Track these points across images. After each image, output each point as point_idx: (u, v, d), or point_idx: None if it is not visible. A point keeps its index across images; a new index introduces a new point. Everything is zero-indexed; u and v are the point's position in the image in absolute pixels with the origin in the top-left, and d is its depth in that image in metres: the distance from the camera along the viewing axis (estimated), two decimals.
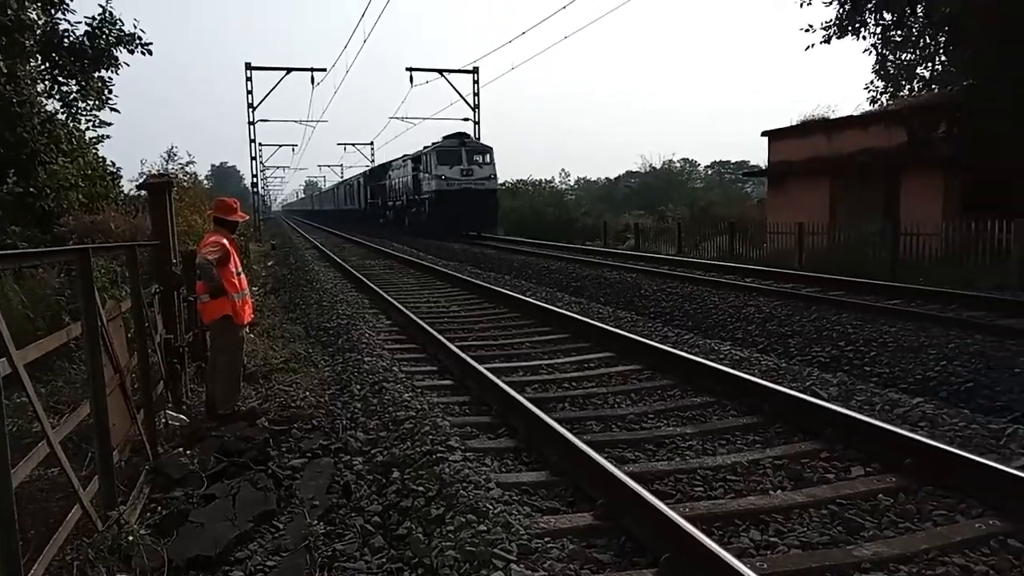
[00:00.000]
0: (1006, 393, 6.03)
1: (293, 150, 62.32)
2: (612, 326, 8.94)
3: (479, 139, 33.47)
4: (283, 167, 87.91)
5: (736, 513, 3.93)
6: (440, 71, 34.64)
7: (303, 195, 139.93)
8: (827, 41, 18.72)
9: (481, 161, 30.39)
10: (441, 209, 29.35)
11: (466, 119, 35.47)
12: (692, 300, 11.28)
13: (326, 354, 8.51)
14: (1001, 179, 14.30)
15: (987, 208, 13.93)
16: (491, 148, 31.12)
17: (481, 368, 6.59)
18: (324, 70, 34.69)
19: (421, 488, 4.29)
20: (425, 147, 32.48)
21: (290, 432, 5.70)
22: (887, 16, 18.40)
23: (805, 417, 5.20)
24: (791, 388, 5.81)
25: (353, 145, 64.52)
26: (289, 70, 34.82)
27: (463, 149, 30.33)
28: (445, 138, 31.50)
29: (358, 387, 6.73)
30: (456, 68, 35.17)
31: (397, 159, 38.04)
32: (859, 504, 4.00)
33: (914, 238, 15.03)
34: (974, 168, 15.32)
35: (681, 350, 7.44)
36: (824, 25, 18.90)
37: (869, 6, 18.29)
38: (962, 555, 3.43)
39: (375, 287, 13.16)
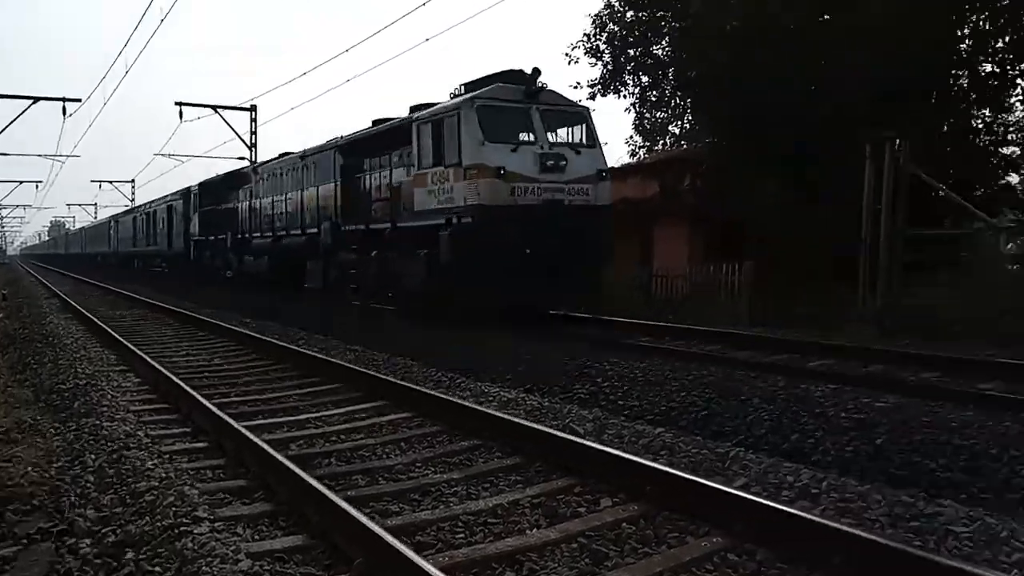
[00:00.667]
0: (732, 420, 6.75)
1: (37, 187, 55.27)
2: (386, 374, 8.84)
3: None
4: (24, 206, 77.90)
5: (494, 556, 3.98)
6: (214, 107, 32.44)
7: (48, 237, 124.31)
8: (592, 98, 20.36)
9: (576, 140, 13.20)
10: (482, 252, 11.81)
11: (242, 158, 33.23)
12: (466, 343, 11.49)
13: (57, 420, 7.52)
14: (736, 227, 16.35)
15: (726, 254, 15.84)
16: (588, 110, 13.91)
17: (238, 426, 6.16)
18: (78, 100, 31.15)
19: (158, 569, 3.86)
20: (407, 117, 14.45)
21: (3, 516, 4.92)
22: (644, 78, 20.44)
23: (562, 454, 5.44)
24: (550, 426, 6.08)
25: (110, 182, 58.72)
26: (36, 99, 30.85)
27: (535, 109, 12.62)
28: (483, 79, 13.29)
29: (93, 456, 6.00)
30: (232, 105, 33.16)
31: (287, 156, 20.75)
32: (606, 534, 4.22)
33: (665, 280, 16.65)
34: (714, 218, 17.38)
35: (452, 395, 7.51)
36: (590, 83, 20.58)
37: (628, 68, 20.23)
38: (690, 573, 3.73)
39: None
